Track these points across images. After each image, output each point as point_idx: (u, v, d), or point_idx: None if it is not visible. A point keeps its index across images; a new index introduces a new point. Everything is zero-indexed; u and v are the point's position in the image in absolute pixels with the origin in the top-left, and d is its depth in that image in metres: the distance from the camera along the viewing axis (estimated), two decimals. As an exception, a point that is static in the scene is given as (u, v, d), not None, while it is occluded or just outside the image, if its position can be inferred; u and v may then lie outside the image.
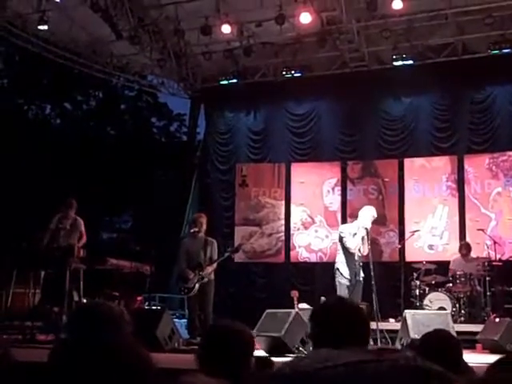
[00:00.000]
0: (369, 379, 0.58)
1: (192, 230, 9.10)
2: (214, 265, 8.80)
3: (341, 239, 8.41)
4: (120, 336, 2.13)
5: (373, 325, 9.24)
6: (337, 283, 8.29)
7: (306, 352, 7.71)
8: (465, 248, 10.67)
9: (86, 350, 1.46)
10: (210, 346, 2.72)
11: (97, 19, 11.51)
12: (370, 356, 0.64)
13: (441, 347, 2.93)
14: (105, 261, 10.52)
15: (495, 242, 10.68)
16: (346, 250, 8.33)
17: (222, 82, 13.44)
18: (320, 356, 0.61)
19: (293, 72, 12.83)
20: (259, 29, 12.03)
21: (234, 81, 13.34)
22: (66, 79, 18.22)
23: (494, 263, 10.28)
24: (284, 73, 12.87)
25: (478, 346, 8.86)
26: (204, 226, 8.96)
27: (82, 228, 9.32)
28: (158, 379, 1.49)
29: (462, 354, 3.11)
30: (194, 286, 8.62)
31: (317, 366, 0.62)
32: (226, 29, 11.73)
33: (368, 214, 8.42)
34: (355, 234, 8.28)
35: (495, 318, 9.15)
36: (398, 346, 7.92)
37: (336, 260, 8.49)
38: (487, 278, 10.04)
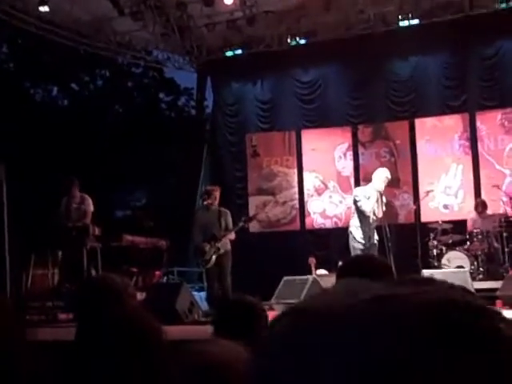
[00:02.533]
0: (387, 316, 0.55)
1: (205, 203, 9.12)
2: (230, 235, 8.82)
3: (355, 202, 8.38)
4: (124, 308, 2.15)
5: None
6: (351, 247, 8.29)
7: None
8: (480, 205, 10.61)
9: (91, 323, 1.47)
10: (222, 323, 2.72)
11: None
12: (408, 289, 0.60)
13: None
14: (121, 238, 10.62)
15: (511, 198, 10.63)
16: (360, 213, 8.30)
17: (227, 54, 13.35)
18: (348, 288, 0.58)
19: (297, 39, 12.71)
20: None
21: (239, 51, 13.26)
22: (71, 60, 18.15)
23: (510, 219, 10.24)
24: (289, 40, 12.76)
25: (498, 302, 8.86)
26: (217, 198, 8.98)
27: (91, 206, 9.31)
28: (167, 349, 1.49)
29: None
30: (211, 257, 8.66)
31: (339, 300, 0.59)
32: (228, -1, 11.64)
33: (382, 175, 8.38)
34: (369, 196, 8.25)
35: (514, 273, 9.16)
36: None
37: (350, 224, 8.47)
38: (504, 234, 10.01)
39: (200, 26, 13.14)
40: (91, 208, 9.36)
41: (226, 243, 8.79)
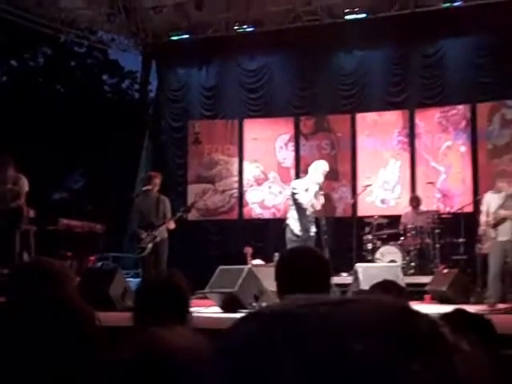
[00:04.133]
0: (355, 316, 0.57)
1: (144, 188, 9.00)
2: (169, 224, 8.75)
3: (293, 195, 8.38)
4: (61, 291, 2.11)
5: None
6: (287, 239, 8.30)
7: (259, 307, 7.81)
8: (415, 201, 10.84)
9: (27, 306, 1.44)
10: (144, 303, 2.68)
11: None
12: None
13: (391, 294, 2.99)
14: (56, 221, 10.41)
15: (444, 195, 10.88)
16: (298, 205, 8.29)
17: (173, 38, 13.20)
18: (299, 298, 0.59)
19: (245, 27, 12.66)
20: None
21: (186, 36, 13.12)
22: (12, 35, 17.63)
23: (443, 216, 10.49)
24: (236, 27, 12.68)
25: (427, 297, 9.10)
26: (157, 185, 8.87)
27: (25, 187, 9.01)
28: (101, 334, 1.47)
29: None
30: (147, 245, 8.56)
31: (299, 303, 0.60)
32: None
33: (320, 168, 8.36)
34: (307, 189, 8.26)
35: (443, 269, 9.39)
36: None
37: (287, 216, 8.48)
38: (436, 231, 10.24)
39: (147, 8, 12.94)
40: (26, 188, 9.07)
41: (163, 231, 8.69)
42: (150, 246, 8.55)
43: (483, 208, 8.36)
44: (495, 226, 8.06)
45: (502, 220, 8.03)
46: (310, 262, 2.60)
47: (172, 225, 8.76)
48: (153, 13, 12.81)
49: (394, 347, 0.56)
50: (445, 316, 2.44)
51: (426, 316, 0.60)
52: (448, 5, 11.57)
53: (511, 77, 11.30)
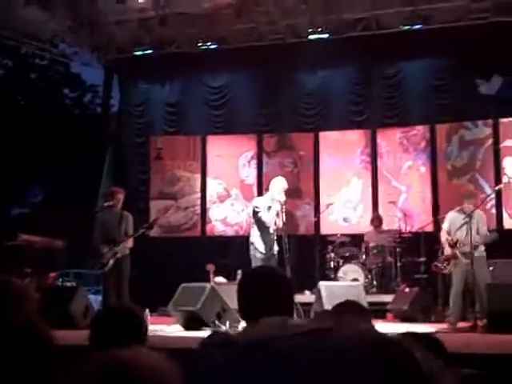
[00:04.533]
0: (330, 349, 0.58)
1: (107, 204, 8.92)
2: (129, 240, 8.67)
3: (255, 213, 8.38)
4: (19, 313, 2.07)
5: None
6: (251, 257, 8.30)
7: (222, 326, 7.77)
8: (376, 220, 10.98)
9: None
10: (100, 332, 2.65)
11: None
12: (325, 325, 0.63)
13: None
14: (15, 236, 10.23)
15: (405, 215, 11.04)
16: (260, 223, 8.30)
17: (137, 53, 13.14)
18: (272, 325, 0.59)
19: (209, 44, 12.68)
20: (175, -1, 11.83)
21: (149, 51, 13.07)
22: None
23: (404, 235, 10.64)
24: (200, 44, 12.70)
25: (389, 315, 9.21)
26: (120, 201, 8.80)
27: None
28: (57, 355, 1.46)
29: (371, 323, 3.22)
30: (108, 261, 8.47)
31: (273, 333, 0.60)
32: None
33: (279, 185, 8.32)
34: (270, 207, 8.28)
35: (405, 288, 9.52)
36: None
37: (251, 234, 8.48)
38: (398, 250, 10.39)
39: (110, 23, 12.86)
40: None
41: (124, 247, 8.61)
42: (112, 261, 8.45)
43: (444, 226, 8.47)
44: (455, 245, 8.18)
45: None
46: (272, 283, 2.55)
47: (130, 243, 8.68)
48: (116, 27, 12.76)
49: (371, 381, 0.58)
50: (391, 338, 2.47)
51: (399, 345, 0.61)
52: (408, 27, 11.79)
53: (469, 98, 11.59)
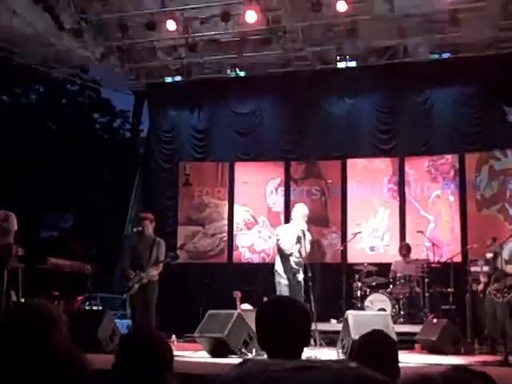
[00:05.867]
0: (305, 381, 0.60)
1: (135, 229, 8.99)
2: (158, 267, 8.70)
3: (277, 240, 8.43)
4: (56, 336, 2.09)
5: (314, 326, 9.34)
6: (276, 283, 8.31)
7: (248, 353, 7.75)
8: (405, 249, 10.90)
9: (21, 351, 1.43)
10: (123, 354, 2.63)
11: (38, 10, 11.23)
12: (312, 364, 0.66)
13: (376, 347, 3.01)
14: (44, 260, 10.31)
15: (434, 244, 10.94)
16: (281, 251, 8.35)
17: (167, 80, 13.30)
18: (261, 362, 0.62)
19: (237, 70, 12.80)
20: (204, 26, 11.96)
21: (178, 78, 13.22)
22: (5, 71, 17.69)
23: (432, 265, 10.54)
24: (228, 71, 12.83)
25: (417, 346, 9.09)
26: (149, 226, 8.84)
27: (14, 225, 8.92)
28: (93, 380, 1.47)
29: (397, 354, 3.19)
30: (134, 285, 8.52)
31: (260, 368, 0.63)
32: (171, 25, 11.61)
33: (300, 212, 8.31)
34: (290, 234, 8.28)
35: (433, 318, 9.41)
36: (339, 346, 8.03)
37: (275, 260, 8.50)
38: (426, 280, 10.27)
39: (141, 50, 13.06)
40: (15, 227, 8.98)
41: (151, 273, 8.65)
42: (137, 286, 8.49)
43: (505, 255, 8.27)
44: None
45: None
46: (287, 313, 2.62)
47: (159, 268, 8.70)
48: (147, 54, 12.94)
49: None
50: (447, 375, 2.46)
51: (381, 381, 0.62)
52: (437, 56, 11.81)
53: (498, 127, 11.53)
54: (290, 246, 8.19)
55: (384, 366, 2.42)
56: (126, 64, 13.34)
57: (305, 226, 8.22)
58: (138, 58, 13.33)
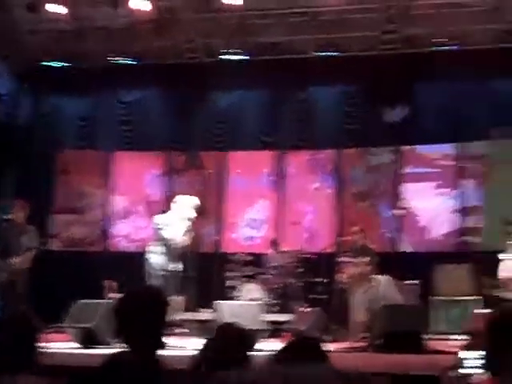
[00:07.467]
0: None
1: (7, 217, 8.70)
2: (28, 254, 8.43)
3: (157, 230, 8.35)
4: None
5: (188, 315, 9.34)
6: (146, 273, 8.27)
7: (119, 344, 7.61)
8: (279, 240, 11.08)
9: None
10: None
11: None
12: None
13: (232, 338, 3.05)
14: None
15: (310, 236, 11.19)
16: (162, 240, 8.28)
17: (49, 64, 12.87)
18: None
19: (125, 59, 12.60)
20: (92, 12, 11.68)
21: (62, 64, 12.84)
22: None
23: (305, 255, 10.75)
24: (114, 59, 12.59)
25: (287, 335, 9.22)
26: (21, 214, 8.58)
27: None
28: None
29: (249, 344, 3.20)
30: (2, 273, 8.25)
31: None
32: (55, 8, 11.26)
33: (189, 203, 8.41)
34: (173, 224, 8.25)
35: (304, 308, 9.59)
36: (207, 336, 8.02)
37: (148, 250, 8.41)
38: (299, 270, 10.47)
39: (22, 32, 12.57)
40: None
41: (20, 261, 8.37)
42: (5, 274, 8.21)
43: None
44: None
45: None
46: (145, 303, 2.72)
47: (26, 258, 8.44)
48: (29, 37, 12.47)
49: None
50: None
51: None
52: (320, 54, 12.06)
53: (375, 125, 11.95)
54: (172, 236, 8.16)
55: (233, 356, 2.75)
56: (6, 46, 12.81)
57: (189, 216, 8.25)
58: (19, 41, 12.83)
